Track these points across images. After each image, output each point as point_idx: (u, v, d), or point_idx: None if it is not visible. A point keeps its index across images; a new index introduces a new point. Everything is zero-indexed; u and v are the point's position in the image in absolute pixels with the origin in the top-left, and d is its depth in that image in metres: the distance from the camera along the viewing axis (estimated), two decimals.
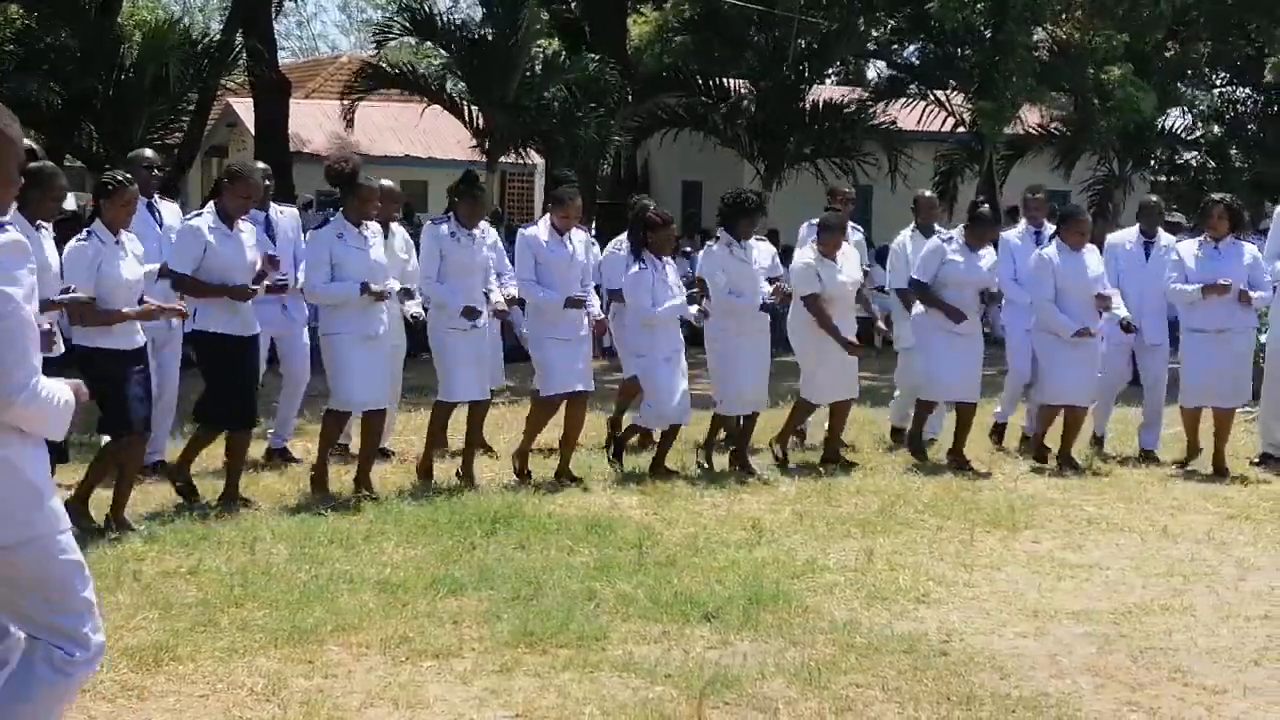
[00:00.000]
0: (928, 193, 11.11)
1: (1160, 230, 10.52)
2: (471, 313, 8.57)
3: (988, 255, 9.86)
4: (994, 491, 9.00)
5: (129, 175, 7.61)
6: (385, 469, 9.10)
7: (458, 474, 8.82)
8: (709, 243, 9.69)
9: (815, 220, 10.23)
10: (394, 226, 9.02)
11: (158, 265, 7.79)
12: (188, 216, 8.33)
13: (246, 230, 8.07)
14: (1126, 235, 10.67)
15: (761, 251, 9.68)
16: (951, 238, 9.92)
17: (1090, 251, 9.84)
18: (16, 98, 17.97)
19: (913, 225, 10.69)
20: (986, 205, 10.21)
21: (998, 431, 10.77)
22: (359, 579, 6.51)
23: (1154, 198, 11.35)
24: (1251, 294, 9.55)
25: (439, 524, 7.57)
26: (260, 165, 9.00)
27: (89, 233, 7.29)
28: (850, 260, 9.71)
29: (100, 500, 7.54)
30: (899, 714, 5.06)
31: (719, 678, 5.28)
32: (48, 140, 18.92)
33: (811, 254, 9.56)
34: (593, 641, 5.69)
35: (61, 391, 3.61)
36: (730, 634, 5.88)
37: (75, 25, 18.12)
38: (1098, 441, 10.46)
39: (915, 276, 9.87)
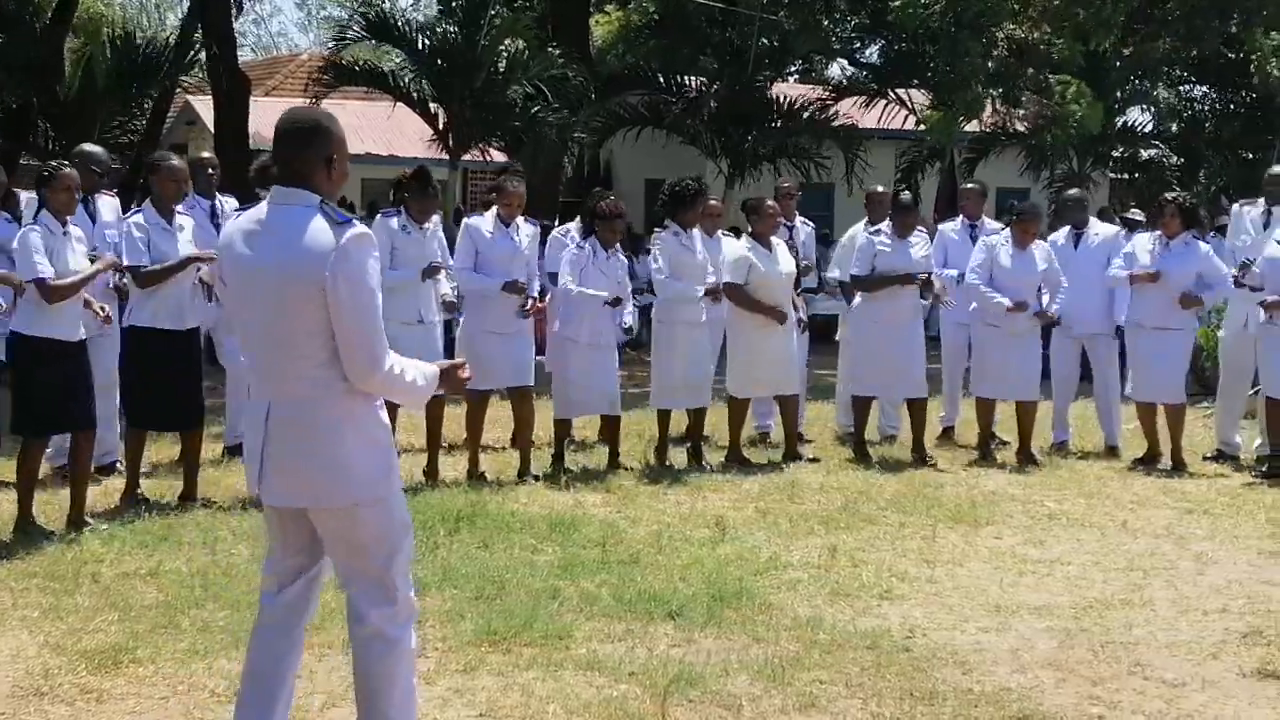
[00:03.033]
0: (879, 188, 11.17)
1: (1093, 220, 10.71)
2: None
3: (919, 243, 9.91)
4: (956, 487, 9.04)
5: (65, 161, 7.56)
6: None
7: (424, 472, 8.79)
8: (657, 230, 9.70)
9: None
10: None
11: (108, 257, 7.75)
12: (127, 215, 8.26)
13: (186, 225, 8.03)
14: (1059, 232, 10.83)
15: (726, 247, 9.69)
16: (880, 229, 9.96)
17: (1038, 248, 9.93)
18: None
19: (865, 221, 10.73)
20: (907, 192, 10.28)
21: (947, 434, 10.80)
22: None
23: (1074, 191, 11.48)
24: (1204, 296, 9.64)
25: None
26: (205, 155, 8.92)
27: (36, 221, 7.27)
28: (785, 253, 9.73)
29: (52, 501, 7.48)
30: (862, 710, 5.07)
31: (683, 675, 5.28)
32: (3, 141, 18.76)
33: (746, 243, 9.58)
34: (556, 640, 5.68)
35: (418, 366, 4.08)
36: (694, 631, 5.88)
37: (27, 25, 17.95)
38: (1060, 446, 10.49)
39: (853, 272, 9.94)
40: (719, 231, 10.11)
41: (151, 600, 6.16)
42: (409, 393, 4.10)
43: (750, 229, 9.65)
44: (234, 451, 9.29)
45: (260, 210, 4.09)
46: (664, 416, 9.52)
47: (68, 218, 7.34)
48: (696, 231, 9.49)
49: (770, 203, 9.78)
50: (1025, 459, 9.82)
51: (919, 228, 10.26)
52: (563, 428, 9.28)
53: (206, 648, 5.52)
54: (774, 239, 9.70)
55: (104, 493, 8.15)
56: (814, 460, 9.70)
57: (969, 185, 11.09)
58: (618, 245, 9.25)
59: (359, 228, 3.94)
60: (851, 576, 6.83)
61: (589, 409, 9.35)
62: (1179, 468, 9.71)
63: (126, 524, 7.44)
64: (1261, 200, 10.27)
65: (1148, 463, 9.85)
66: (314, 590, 4.29)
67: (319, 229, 3.92)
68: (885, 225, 9.94)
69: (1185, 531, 8.04)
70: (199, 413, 8.13)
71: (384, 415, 4.11)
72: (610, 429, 9.42)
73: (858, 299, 9.98)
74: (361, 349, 3.93)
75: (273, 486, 4.07)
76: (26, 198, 8.64)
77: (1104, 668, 5.61)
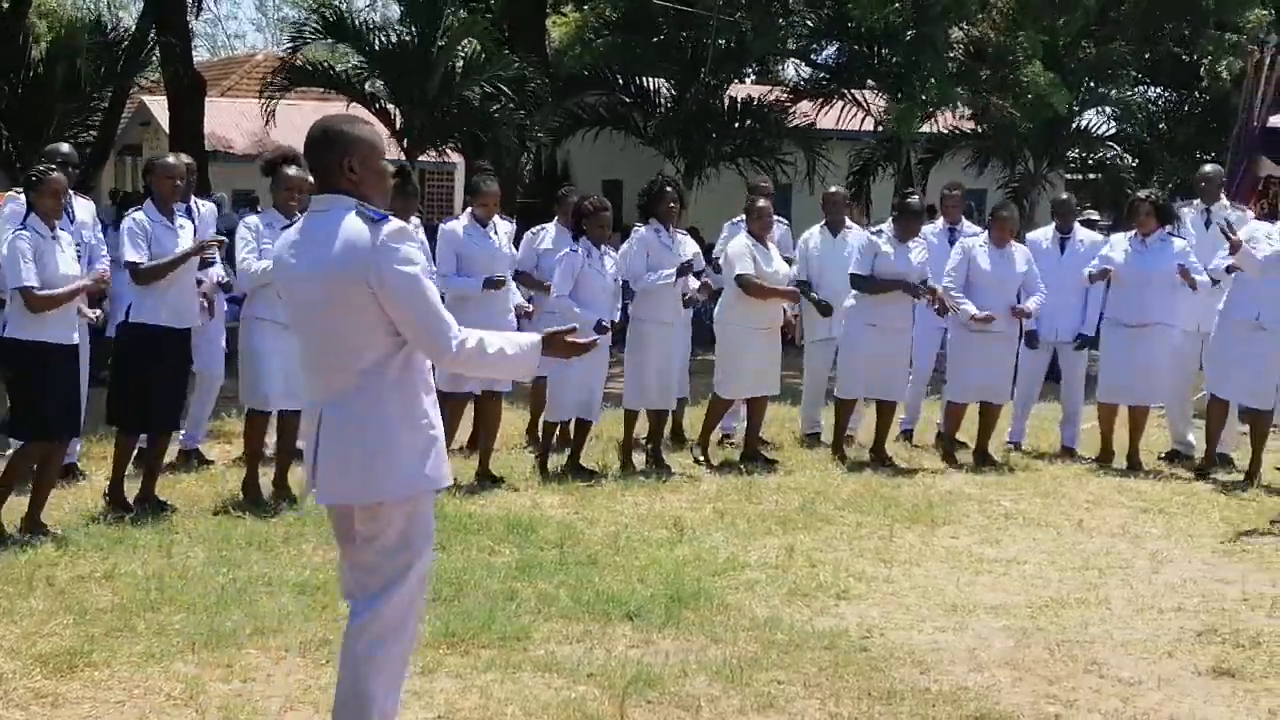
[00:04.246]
0: (835, 189, 11.20)
1: (1078, 226, 10.71)
2: None
3: (918, 248, 9.93)
4: (913, 487, 9.09)
5: (53, 165, 7.50)
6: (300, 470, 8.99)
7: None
8: (637, 225, 9.66)
9: (737, 219, 10.29)
10: None
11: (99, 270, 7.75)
12: (129, 211, 8.25)
13: (186, 224, 8.08)
14: (1043, 233, 10.85)
15: (686, 246, 9.70)
16: (881, 230, 9.99)
17: (1018, 250, 9.98)
18: None
19: (822, 222, 10.76)
20: (915, 196, 10.29)
21: (906, 436, 10.83)
22: (278, 581, 6.45)
23: (1066, 195, 11.53)
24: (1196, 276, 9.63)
25: None
26: (185, 159, 8.88)
27: (24, 225, 7.20)
28: (777, 253, 9.76)
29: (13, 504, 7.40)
30: (820, 710, 5.09)
31: (641, 676, 5.29)
32: None
33: (746, 239, 9.60)
34: (514, 641, 5.67)
35: (509, 337, 4.23)
36: (652, 632, 5.89)
37: None
38: (1014, 446, 10.55)
39: (853, 271, 9.90)
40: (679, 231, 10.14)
41: (107, 603, 6.11)
42: (502, 365, 4.21)
43: (750, 230, 9.62)
44: (190, 455, 9.24)
45: (301, 221, 4.25)
46: (631, 417, 9.51)
47: (55, 221, 7.28)
48: (679, 234, 9.53)
49: (763, 203, 9.76)
50: (982, 459, 9.87)
51: (852, 226, 10.34)
52: (551, 429, 9.31)
53: (163, 651, 5.48)
54: (767, 239, 9.73)
55: (72, 494, 8.04)
56: (772, 462, 9.69)
57: (952, 192, 11.08)
58: (606, 242, 9.20)
59: (394, 222, 4.08)
60: (809, 576, 6.85)
61: (589, 414, 9.25)
62: (1135, 467, 9.80)
63: (80, 527, 7.36)
64: (1198, 200, 10.39)
65: (1100, 459, 9.95)
66: None
67: (355, 229, 4.05)
68: (887, 227, 9.96)
69: (1140, 530, 8.12)
70: (178, 414, 8.19)
71: (436, 418, 4.21)
72: (583, 432, 9.35)
73: (850, 300, 9.92)
74: (425, 333, 4.06)
75: (322, 485, 4.20)
76: None
77: (1060, 666, 5.65)
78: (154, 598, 6.16)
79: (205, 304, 8.46)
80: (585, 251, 9.01)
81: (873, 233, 10.07)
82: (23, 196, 8.63)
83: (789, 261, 10.18)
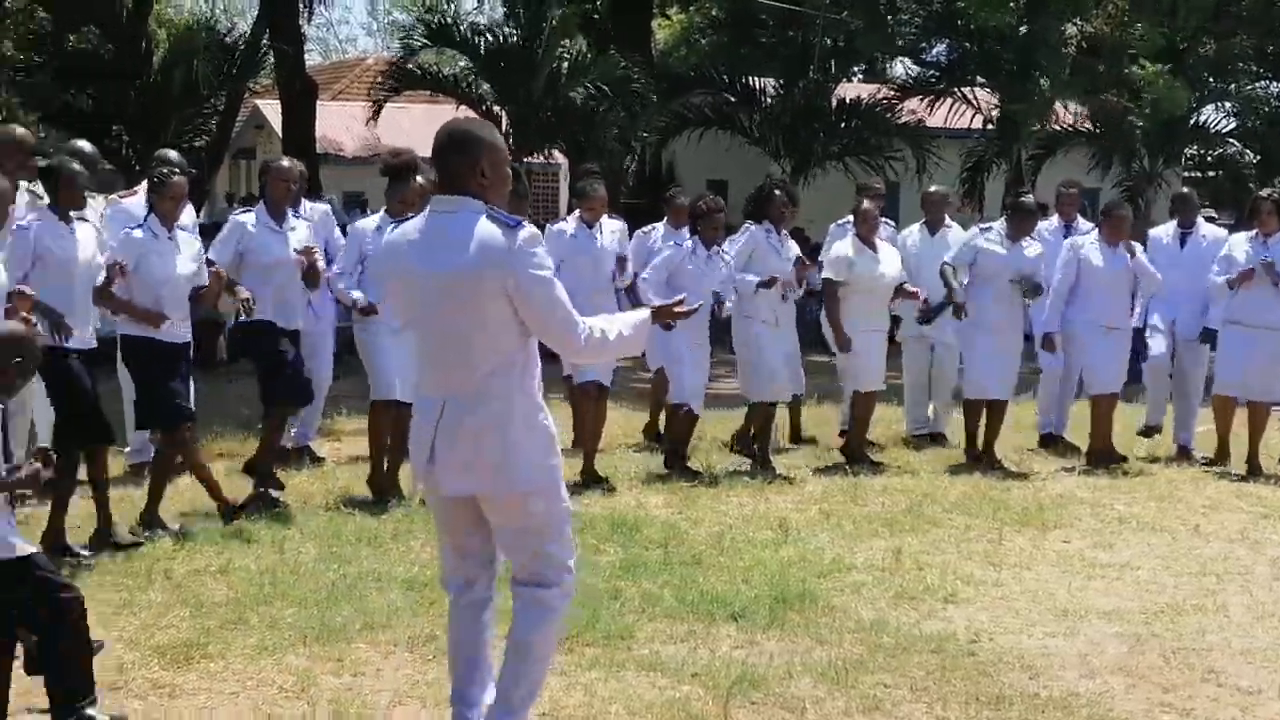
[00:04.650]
0: (934, 188, 11.08)
1: (1200, 222, 10.49)
2: None
3: (1031, 247, 9.79)
4: (1023, 490, 8.96)
5: (175, 169, 7.66)
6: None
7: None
8: (748, 224, 9.62)
9: (844, 220, 10.22)
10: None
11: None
12: (236, 212, 8.43)
13: (299, 226, 8.20)
14: (1165, 229, 10.65)
15: (790, 249, 9.67)
16: (991, 227, 9.89)
17: (1128, 247, 9.81)
18: (49, 102, 18.15)
19: (921, 221, 10.65)
20: (1029, 195, 10.13)
21: (1046, 441, 10.58)
22: (387, 577, 6.53)
23: (1187, 190, 11.29)
24: None
25: None
26: (297, 164, 9.02)
27: (142, 224, 7.36)
28: (889, 255, 9.68)
29: (127, 500, 7.57)
30: (927, 714, 5.04)
31: (746, 677, 5.28)
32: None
33: (851, 244, 9.55)
34: (619, 640, 5.69)
35: (621, 319, 4.45)
36: (757, 633, 5.87)
37: (106, 27, 18.20)
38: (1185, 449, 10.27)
39: (947, 260, 9.82)
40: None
41: (222, 597, 6.23)
42: (620, 346, 4.47)
43: (856, 236, 9.58)
44: (302, 452, 9.38)
45: (420, 220, 4.32)
46: (757, 411, 9.44)
47: (173, 223, 7.42)
48: (789, 239, 9.51)
49: (866, 205, 9.69)
50: (1101, 459, 9.69)
51: (952, 225, 10.28)
52: (676, 412, 9.27)
53: (275, 644, 5.57)
54: (880, 242, 9.67)
55: (190, 489, 8.22)
56: (878, 464, 9.59)
57: (1068, 190, 10.90)
58: (718, 244, 9.19)
59: (528, 227, 4.20)
60: (916, 579, 6.79)
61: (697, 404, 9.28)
62: (1254, 472, 9.57)
63: (196, 522, 7.51)
64: None
65: (1215, 460, 9.73)
66: (494, 574, 4.57)
67: (491, 234, 4.16)
68: (998, 225, 9.86)
69: (1261, 536, 7.93)
70: (308, 396, 8.39)
71: (546, 409, 4.36)
72: (689, 428, 9.33)
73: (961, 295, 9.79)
74: (558, 331, 4.26)
75: (446, 479, 4.29)
76: (110, 199, 8.77)
77: (1176, 674, 5.54)
78: (267, 592, 6.27)
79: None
80: (692, 249, 9.01)
81: (981, 228, 9.96)
82: (125, 201, 8.86)
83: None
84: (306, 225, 8.42)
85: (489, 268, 4.13)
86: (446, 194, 4.27)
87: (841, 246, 9.61)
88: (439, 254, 4.18)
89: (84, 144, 8.97)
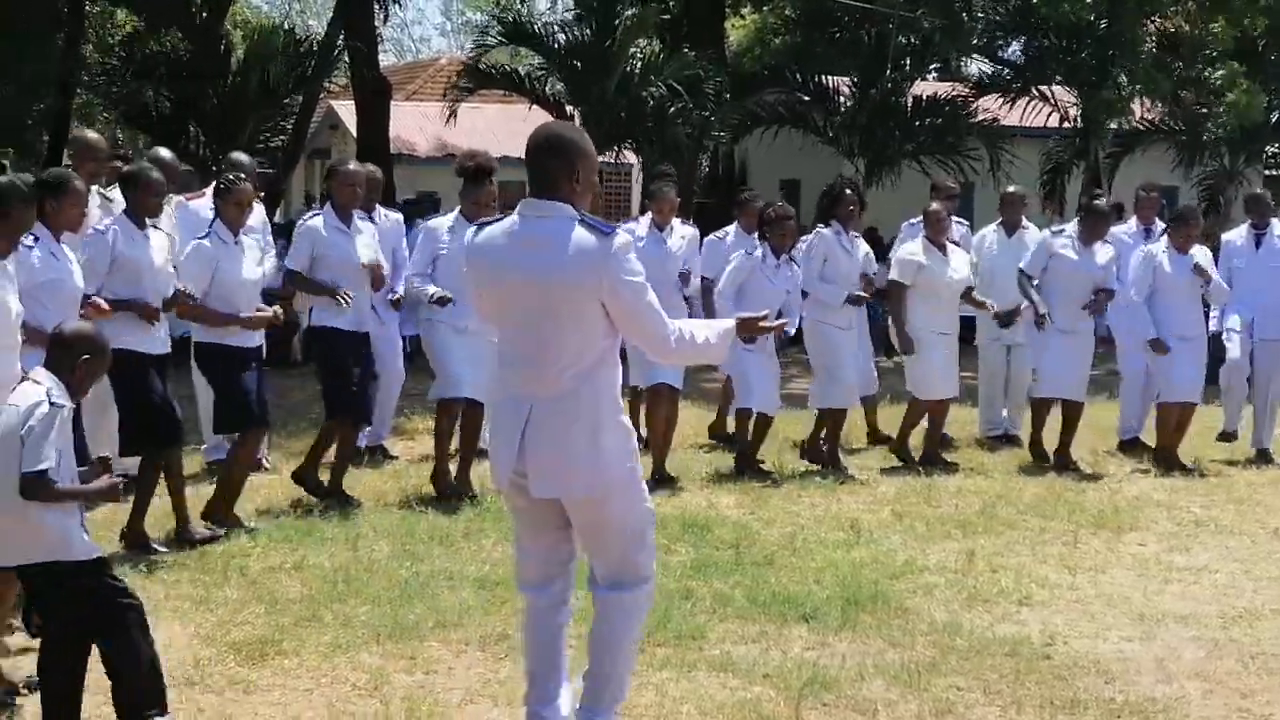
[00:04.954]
0: (1013, 188, 10.99)
1: (1275, 222, 10.33)
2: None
3: (1103, 251, 9.68)
4: (1098, 492, 8.86)
5: (242, 175, 7.74)
6: (483, 467, 9.13)
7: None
8: (819, 226, 9.59)
9: (915, 220, 10.17)
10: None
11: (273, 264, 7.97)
12: (305, 217, 8.50)
13: (365, 229, 8.25)
14: (1238, 231, 10.51)
15: (860, 249, 9.63)
16: (1064, 230, 9.79)
17: (1201, 252, 9.67)
18: (129, 103, 18.45)
19: (997, 222, 10.56)
20: (1102, 199, 10.02)
21: (1127, 445, 10.45)
22: (459, 576, 6.57)
23: (1260, 190, 11.11)
24: None
25: None
26: (370, 168, 9.09)
27: (209, 232, 7.44)
28: (959, 258, 9.61)
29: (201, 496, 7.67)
30: (1000, 718, 5.01)
31: (817, 678, 5.26)
32: (156, 144, 19.34)
33: (920, 245, 9.49)
34: (690, 641, 5.69)
35: (709, 325, 4.54)
36: (828, 634, 5.85)
37: (185, 29, 18.48)
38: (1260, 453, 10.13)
39: (1022, 268, 9.74)
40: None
41: (296, 594, 6.30)
42: (705, 352, 4.55)
43: (925, 238, 9.54)
44: (374, 450, 9.47)
45: (509, 223, 4.34)
46: (834, 415, 9.41)
47: (239, 228, 7.49)
48: (859, 238, 9.48)
49: (934, 206, 9.64)
50: (1167, 462, 9.57)
51: (1029, 226, 10.22)
52: (746, 419, 9.27)
53: (349, 642, 5.63)
54: (950, 244, 9.61)
55: (265, 488, 8.32)
56: (953, 465, 9.54)
57: (1148, 194, 10.76)
58: (788, 251, 9.15)
59: (621, 234, 4.27)
60: (990, 582, 6.73)
61: (770, 408, 9.27)
62: None
63: (272, 519, 7.61)
64: None
65: None
66: (572, 575, 4.62)
67: (585, 240, 4.22)
68: (1070, 228, 9.77)
69: None
70: (368, 408, 8.41)
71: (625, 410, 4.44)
72: (761, 430, 9.31)
73: (1026, 302, 9.72)
74: (650, 334, 4.35)
75: (534, 481, 4.34)
76: (177, 201, 8.89)
77: (1254, 680, 5.46)
78: (340, 590, 6.33)
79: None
80: (761, 256, 8.98)
81: (1054, 232, 9.85)
82: (192, 203, 8.98)
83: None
84: (373, 229, 8.43)
85: (584, 273, 4.19)
86: (539, 198, 4.30)
87: (910, 248, 9.55)
88: (532, 258, 4.22)
89: (165, 152, 9.14)
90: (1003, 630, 5.98)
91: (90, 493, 4.68)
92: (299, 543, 7.14)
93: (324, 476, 8.08)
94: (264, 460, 8.88)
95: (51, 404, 4.51)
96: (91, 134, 7.98)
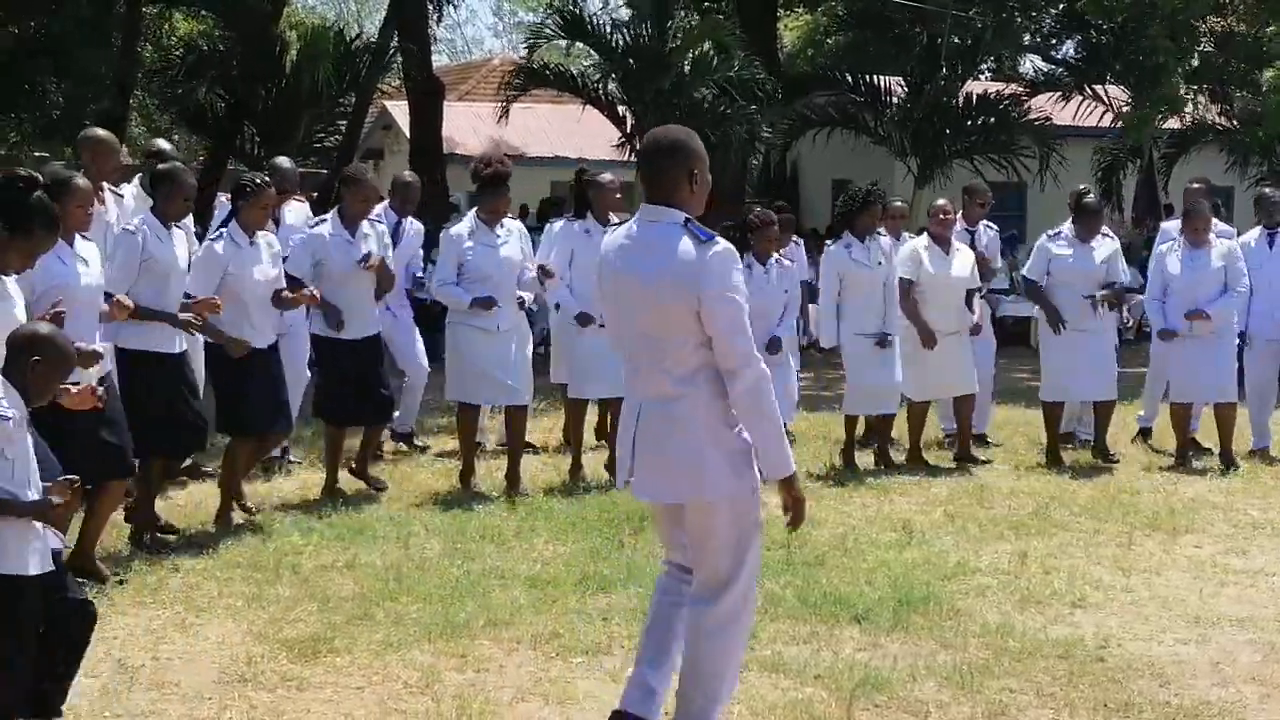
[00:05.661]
0: (1083, 189, 10.88)
1: None
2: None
3: (1101, 247, 9.61)
4: (1153, 494, 8.77)
5: (267, 178, 7.73)
6: (534, 465, 9.18)
7: (606, 467, 8.82)
8: (828, 244, 9.60)
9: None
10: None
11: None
12: (311, 223, 8.52)
13: (371, 233, 8.24)
14: (1250, 233, 10.45)
15: (877, 251, 9.55)
16: (1060, 231, 9.72)
17: (1215, 249, 9.56)
18: (184, 103, 18.62)
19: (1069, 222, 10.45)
20: (1091, 194, 9.96)
21: (1143, 435, 10.48)
22: (510, 575, 6.59)
23: (1268, 190, 11.00)
24: None
25: (588, 521, 7.62)
26: (409, 175, 9.16)
27: (223, 234, 7.41)
28: (963, 257, 9.57)
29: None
30: None
31: (869, 679, 5.24)
32: (211, 144, 19.52)
33: (924, 241, 9.47)
34: None
35: (777, 419, 4.40)
36: (880, 635, 5.83)
37: (241, 30, 18.62)
38: (1259, 453, 10.04)
39: (1024, 274, 9.75)
40: (905, 235, 10.05)
41: (348, 592, 6.34)
42: (763, 433, 4.32)
43: (929, 234, 9.54)
44: (406, 440, 9.66)
45: (631, 226, 4.43)
46: (852, 421, 9.51)
47: (256, 230, 7.46)
48: (880, 240, 9.43)
49: (940, 202, 9.63)
50: (1227, 463, 9.48)
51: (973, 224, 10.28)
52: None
53: (400, 640, 5.66)
54: (954, 242, 9.56)
55: (297, 485, 8.41)
56: (986, 462, 9.52)
57: (1194, 184, 10.65)
58: (776, 256, 9.11)
59: (720, 244, 4.26)
60: (1043, 583, 6.68)
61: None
62: None
63: (323, 517, 7.66)
64: None
65: None
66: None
67: (686, 248, 4.25)
68: (1066, 227, 9.70)
69: None
70: (391, 405, 8.56)
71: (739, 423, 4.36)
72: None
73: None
74: (733, 349, 4.25)
75: (641, 482, 4.46)
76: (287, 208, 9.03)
77: None
78: (392, 588, 6.36)
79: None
80: (748, 266, 8.56)
81: (1050, 235, 9.77)
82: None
83: (994, 271, 10.23)
84: (377, 235, 8.33)
85: (681, 281, 4.22)
86: (653, 202, 4.35)
87: (913, 244, 9.54)
88: (641, 262, 4.31)
89: (285, 161, 9.28)
90: (1056, 632, 5.93)
91: (22, 509, 4.25)
92: (351, 541, 7.19)
93: (342, 474, 8.32)
94: (288, 457, 8.98)
95: None
96: (102, 131, 7.94)
